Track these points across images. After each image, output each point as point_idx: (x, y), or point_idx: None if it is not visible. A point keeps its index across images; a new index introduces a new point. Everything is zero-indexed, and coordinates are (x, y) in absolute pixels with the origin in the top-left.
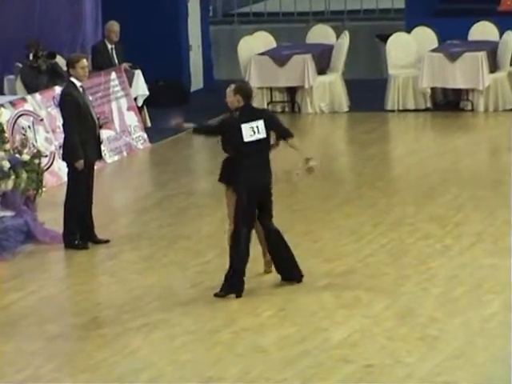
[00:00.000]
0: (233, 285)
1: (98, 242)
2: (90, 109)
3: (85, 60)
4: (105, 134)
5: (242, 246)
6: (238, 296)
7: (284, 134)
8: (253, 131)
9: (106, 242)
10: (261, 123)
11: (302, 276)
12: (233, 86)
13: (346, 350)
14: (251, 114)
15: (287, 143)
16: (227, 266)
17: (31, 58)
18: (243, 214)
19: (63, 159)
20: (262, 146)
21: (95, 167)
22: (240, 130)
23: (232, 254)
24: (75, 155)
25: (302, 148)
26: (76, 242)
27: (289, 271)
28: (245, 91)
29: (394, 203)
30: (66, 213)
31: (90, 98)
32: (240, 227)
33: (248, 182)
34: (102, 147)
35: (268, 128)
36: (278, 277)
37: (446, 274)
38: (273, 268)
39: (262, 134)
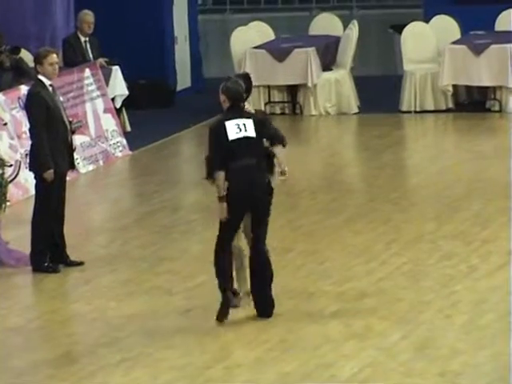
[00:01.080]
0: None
1: (70, 264)
2: (60, 111)
3: (54, 55)
4: (78, 139)
5: (223, 263)
6: (218, 319)
7: (273, 139)
8: (238, 128)
9: (80, 264)
10: (249, 122)
11: (271, 313)
12: (222, 84)
13: None
14: (237, 113)
15: (272, 148)
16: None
17: None
18: (224, 227)
19: (30, 169)
20: (253, 147)
21: (67, 178)
22: (225, 128)
23: (216, 273)
24: (44, 165)
25: (283, 160)
26: (46, 265)
27: (262, 307)
28: (231, 92)
29: (411, 218)
30: (33, 231)
31: (61, 98)
32: (220, 242)
33: (233, 188)
34: (75, 155)
35: (258, 130)
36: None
37: (471, 299)
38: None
39: (250, 133)
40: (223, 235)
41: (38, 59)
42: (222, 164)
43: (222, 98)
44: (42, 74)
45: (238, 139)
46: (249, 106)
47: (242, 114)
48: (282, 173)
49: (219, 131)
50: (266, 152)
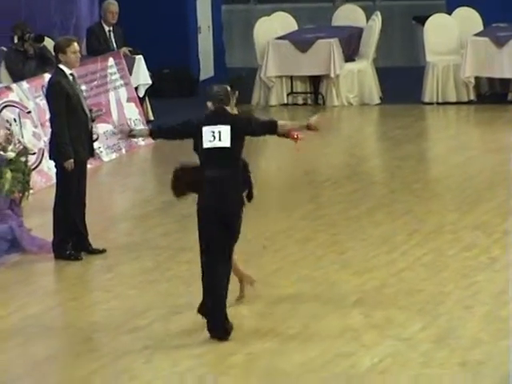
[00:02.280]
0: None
1: (92, 251)
2: (81, 100)
3: (76, 44)
4: (101, 128)
5: (204, 276)
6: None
7: (270, 129)
8: (213, 136)
9: (102, 251)
10: (225, 129)
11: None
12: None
13: (375, 378)
14: (218, 117)
15: (279, 135)
16: (237, 280)
17: (16, 41)
18: (199, 239)
19: (50, 158)
20: (225, 158)
21: (88, 166)
22: (201, 133)
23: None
24: (64, 154)
25: (294, 123)
26: (67, 253)
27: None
28: (211, 95)
29: (433, 209)
30: (55, 219)
31: (84, 87)
32: (200, 253)
33: (201, 201)
34: (98, 144)
35: (237, 136)
36: (295, 291)
37: (492, 289)
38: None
39: (224, 143)
40: (201, 250)
41: (60, 48)
42: (168, 134)
43: (209, 103)
44: (63, 62)
45: (211, 149)
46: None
47: (222, 118)
48: (250, 196)
49: (193, 130)
50: (240, 163)
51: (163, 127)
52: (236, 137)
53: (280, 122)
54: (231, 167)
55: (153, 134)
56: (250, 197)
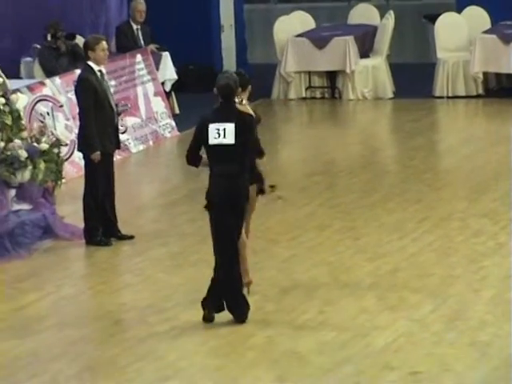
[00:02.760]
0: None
1: (121, 237)
2: (108, 95)
3: (104, 42)
4: (129, 121)
5: (220, 262)
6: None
7: (252, 150)
8: (217, 133)
9: (131, 238)
10: (230, 127)
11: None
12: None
13: (389, 357)
14: (223, 115)
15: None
16: (262, 264)
17: (50, 38)
18: (211, 231)
19: (79, 149)
20: (231, 154)
21: (117, 157)
22: (207, 130)
23: None
24: (91, 146)
25: (267, 172)
26: (98, 239)
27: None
28: (221, 88)
29: (443, 198)
30: (85, 208)
31: (114, 82)
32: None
33: (211, 194)
34: (126, 135)
35: (240, 135)
36: (313, 275)
37: (499, 274)
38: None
39: (229, 140)
40: (214, 243)
41: (91, 46)
42: (194, 160)
43: (215, 92)
44: (92, 59)
45: (216, 145)
46: (246, 103)
47: (228, 115)
48: (262, 191)
49: (202, 130)
50: (247, 158)
51: (193, 155)
52: (240, 134)
53: (260, 161)
54: (236, 163)
55: (197, 164)
56: (261, 192)
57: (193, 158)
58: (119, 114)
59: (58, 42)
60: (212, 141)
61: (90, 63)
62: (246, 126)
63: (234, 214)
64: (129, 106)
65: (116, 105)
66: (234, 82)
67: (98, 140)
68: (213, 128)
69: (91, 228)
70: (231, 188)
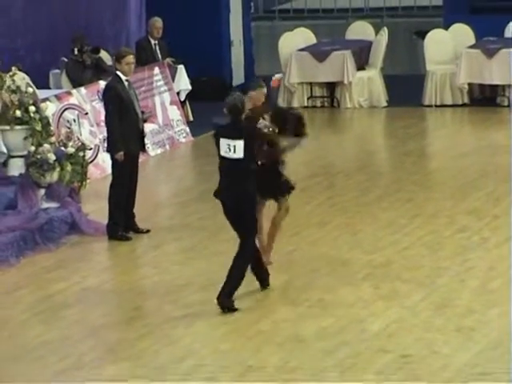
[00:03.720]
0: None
1: (138, 231)
2: (133, 102)
3: (132, 56)
4: (148, 127)
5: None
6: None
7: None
8: (228, 149)
9: (147, 231)
10: (239, 144)
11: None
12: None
13: (383, 341)
14: (232, 132)
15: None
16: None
17: (76, 52)
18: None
19: (107, 151)
20: (238, 165)
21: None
22: (219, 142)
23: None
24: (115, 147)
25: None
26: (119, 234)
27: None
28: (228, 108)
29: (432, 197)
30: (110, 205)
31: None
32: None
33: (220, 198)
34: (146, 140)
35: (248, 148)
36: (314, 267)
37: (483, 266)
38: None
39: (238, 155)
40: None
41: (118, 58)
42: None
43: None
44: (119, 70)
45: (227, 158)
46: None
47: (236, 132)
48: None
49: (216, 140)
50: (254, 166)
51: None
52: (248, 147)
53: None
54: (244, 173)
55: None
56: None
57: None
58: (145, 121)
59: (84, 56)
60: (223, 153)
61: (118, 73)
62: (251, 139)
63: (242, 219)
64: (153, 112)
65: (142, 112)
66: (241, 102)
67: (121, 142)
68: (224, 143)
69: (114, 224)
70: (238, 194)
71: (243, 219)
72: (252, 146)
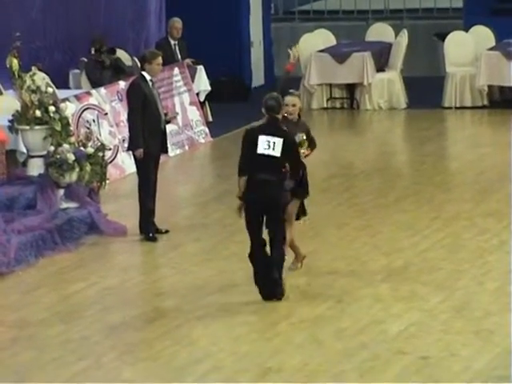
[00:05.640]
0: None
1: (157, 231)
2: (156, 102)
3: (160, 58)
4: (168, 128)
5: (254, 261)
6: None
7: (291, 167)
8: (268, 145)
9: (166, 232)
10: (279, 141)
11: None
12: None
13: (402, 343)
14: (272, 129)
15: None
16: (287, 258)
17: (94, 52)
18: (246, 229)
19: (127, 150)
20: (275, 165)
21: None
22: (257, 141)
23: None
24: (134, 143)
25: None
26: (150, 235)
27: (267, 290)
28: (267, 108)
29: (451, 199)
30: (139, 203)
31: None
32: (250, 243)
33: (249, 196)
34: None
35: (285, 150)
36: (332, 268)
37: (502, 268)
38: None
39: (277, 153)
40: (249, 237)
41: (148, 59)
42: (245, 170)
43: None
44: (147, 70)
45: (264, 155)
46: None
47: (275, 130)
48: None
49: (252, 141)
50: (285, 169)
51: (246, 164)
52: (286, 149)
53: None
54: (277, 173)
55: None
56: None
57: (247, 166)
58: (168, 122)
59: (103, 56)
60: (261, 150)
61: (143, 73)
62: (291, 144)
63: (270, 216)
64: (177, 113)
65: (165, 114)
66: (279, 103)
67: (141, 139)
68: (263, 139)
69: (145, 222)
70: (269, 194)
71: (275, 211)
72: (289, 150)
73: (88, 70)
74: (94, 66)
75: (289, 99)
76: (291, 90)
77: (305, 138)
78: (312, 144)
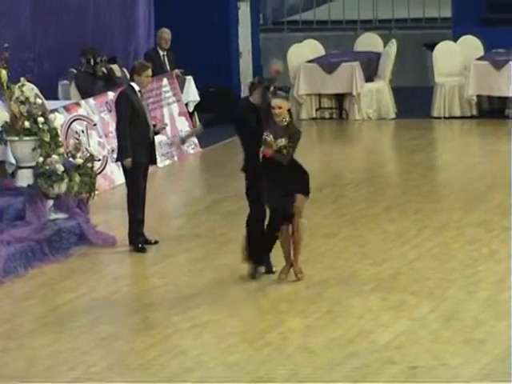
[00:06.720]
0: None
1: (147, 242)
2: (145, 113)
3: (150, 70)
4: (157, 138)
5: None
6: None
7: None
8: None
9: (155, 242)
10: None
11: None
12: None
13: (391, 352)
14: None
15: None
16: (276, 268)
17: (87, 63)
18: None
19: (116, 160)
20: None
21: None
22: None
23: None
24: (123, 153)
25: None
26: (139, 246)
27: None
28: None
29: (440, 208)
30: (129, 217)
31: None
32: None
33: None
34: (156, 153)
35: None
36: (322, 278)
37: (492, 278)
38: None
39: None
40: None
41: (138, 71)
42: None
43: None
44: (136, 82)
45: None
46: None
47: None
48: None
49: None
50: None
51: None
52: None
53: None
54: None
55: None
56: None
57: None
58: (157, 133)
59: (97, 67)
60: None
61: (132, 84)
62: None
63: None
64: (166, 125)
65: (154, 125)
66: (251, 86)
67: (130, 149)
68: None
69: (134, 234)
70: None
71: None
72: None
73: (79, 81)
74: (84, 77)
75: (275, 101)
76: (279, 92)
77: (285, 143)
78: (291, 150)
